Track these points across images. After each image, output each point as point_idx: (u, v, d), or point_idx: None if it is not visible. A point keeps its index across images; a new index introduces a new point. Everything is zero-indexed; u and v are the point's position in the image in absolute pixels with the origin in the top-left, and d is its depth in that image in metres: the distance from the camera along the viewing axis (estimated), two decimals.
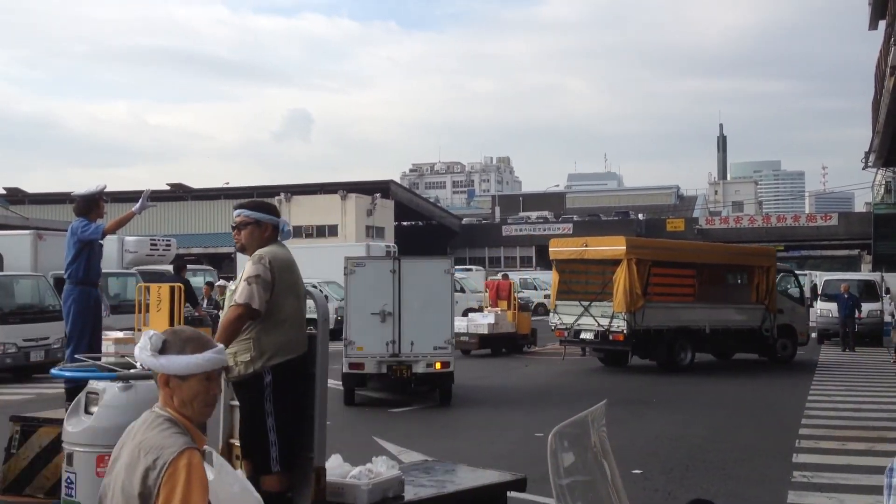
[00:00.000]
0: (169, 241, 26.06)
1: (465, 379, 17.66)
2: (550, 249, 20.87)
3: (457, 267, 46.15)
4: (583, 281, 20.20)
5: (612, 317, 18.54)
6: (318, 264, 29.90)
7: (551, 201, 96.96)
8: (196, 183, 65.23)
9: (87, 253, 8.49)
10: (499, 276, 29.09)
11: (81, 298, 8.43)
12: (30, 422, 7.72)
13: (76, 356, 8.04)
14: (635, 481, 8.69)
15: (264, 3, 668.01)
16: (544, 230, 74.61)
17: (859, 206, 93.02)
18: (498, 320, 22.61)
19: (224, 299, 19.42)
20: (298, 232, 56.56)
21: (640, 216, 78.50)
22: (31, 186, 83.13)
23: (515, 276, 45.63)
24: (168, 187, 62.17)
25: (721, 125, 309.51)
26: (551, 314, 20.62)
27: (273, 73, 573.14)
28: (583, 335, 19.39)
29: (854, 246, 70.33)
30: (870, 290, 28.23)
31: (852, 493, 8.45)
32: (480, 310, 25.69)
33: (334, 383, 17.10)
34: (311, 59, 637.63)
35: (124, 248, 22.98)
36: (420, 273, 14.45)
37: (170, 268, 23.75)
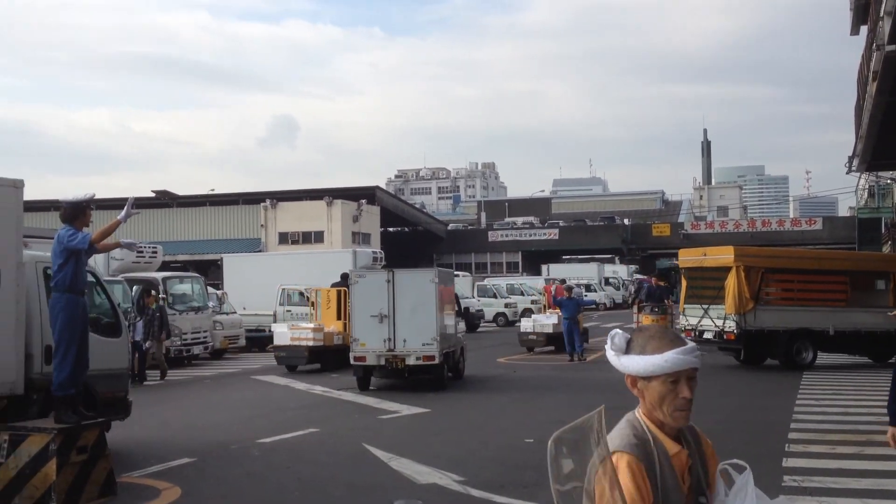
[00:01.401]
0: (155, 248, 25.95)
1: (453, 382, 17.71)
2: (679, 259, 23.71)
3: None
4: (704, 286, 21.79)
5: (725, 318, 20.24)
6: (304, 271, 29.83)
7: (537, 207, 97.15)
8: (181, 190, 64.77)
9: (73, 261, 8.42)
10: (556, 282, 33.26)
11: (70, 307, 8.34)
12: (18, 430, 7.65)
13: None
14: None
15: (247, 10, 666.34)
16: (530, 236, 74.84)
17: (843, 211, 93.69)
18: (559, 320, 25.20)
19: (154, 308, 19.55)
20: (284, 238, 56.38)
21: (626, 221, 78.76)
22: None
23: (502, 282, 45.84)
24: (153, 194, 61.84)
25: (705, 130, 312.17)
26: (680, 316, 22.81)
27: (258, 79, 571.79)
28: (705, 335, 20.89)
29: (839, 250, 70.67)
30: None
31: (843, 496, 8.46)
32: (542, 311, 28.73)
33: (320, 389, 17.06)
34: (295, 65, 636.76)
35: (110, 255, 22.83)
36: (409, 282, 17.23)
37: (158, 275, 23.80)
